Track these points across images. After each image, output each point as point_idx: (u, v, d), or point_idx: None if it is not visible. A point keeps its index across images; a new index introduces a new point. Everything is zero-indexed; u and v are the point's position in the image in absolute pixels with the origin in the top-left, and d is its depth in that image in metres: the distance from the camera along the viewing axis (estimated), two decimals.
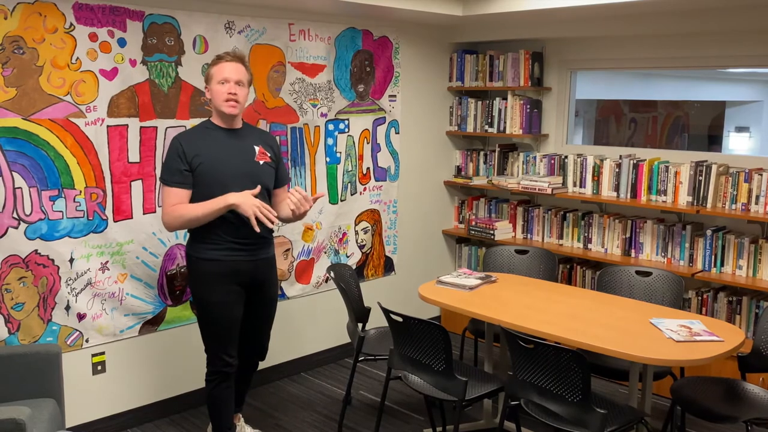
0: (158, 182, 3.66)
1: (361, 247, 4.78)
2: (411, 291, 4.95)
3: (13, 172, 3.18)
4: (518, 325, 3.04)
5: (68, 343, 3.46)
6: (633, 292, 3.78)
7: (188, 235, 3.17)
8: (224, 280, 3.07)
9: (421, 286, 3.65)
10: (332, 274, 3.72)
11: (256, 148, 3.13)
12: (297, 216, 3.12)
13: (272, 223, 2.94)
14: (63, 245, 3.38)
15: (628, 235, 4.45)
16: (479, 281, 3.66)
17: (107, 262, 3.54)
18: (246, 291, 3.17)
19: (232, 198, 2.94)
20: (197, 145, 3.03)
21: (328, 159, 4.47)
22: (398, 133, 4.89)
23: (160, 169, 3.16)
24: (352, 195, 4.65)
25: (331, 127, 4.46)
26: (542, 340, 2.72)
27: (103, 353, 3.61)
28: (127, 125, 3.53)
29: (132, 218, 3.60)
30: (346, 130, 4.55)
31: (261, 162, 3.13)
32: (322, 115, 4.40)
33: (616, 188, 4.45)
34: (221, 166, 3.01)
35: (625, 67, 4.73)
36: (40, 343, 3.34)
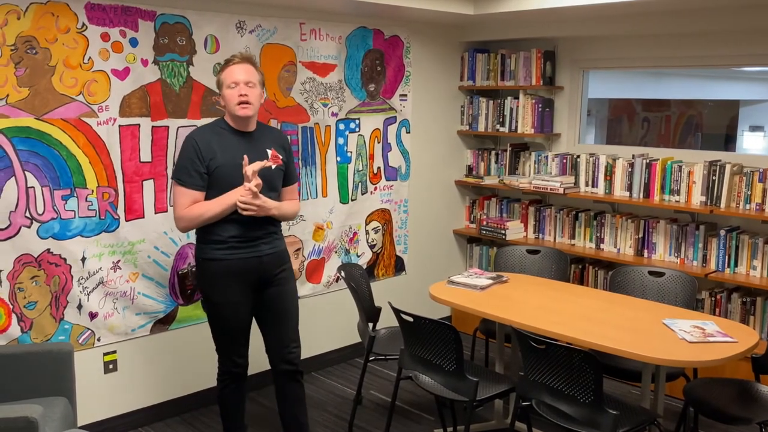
0: (170, 182, 3.68)
1: (371, 246, 4.77)
2: (422, 291, 4.93)
3: (25, 172, 3.20)
4: (530, 325, 3.03)
5: (80, 341, 3.48)
6: (646, 292, 3.76)
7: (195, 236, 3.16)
8: (230, 280, 3.03)
9: (431, 286, 3.64)
10: (343, 273, 3.72)
11: (269, 152, 3.08)
12: (265, 213, 3.01)
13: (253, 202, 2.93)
14: (75, 244, 3.39)
15: (640, 235, 4.42)
16: (490, 281, 3.64)
17: (119, 261, 3.55)
18: (255, 290, 3.11)
19: (233, 198, 2.94)
20: (213, 147, 2.97)
21: (338, 158, 4.47)
22: (409, 132, 4.89)
23: (173, 168, 3.13)
24: (362, 194, 4.65)
25: (341, 126, 4.45)
26: (554, 341, 2.71)
27: (114, 352, 3.62)
28: (138, 125, 3.55)
29: (143, 217, 3.61)
30: (357, 129, 4.55)
31: (274, 166, 3.07)
32: (333, 114, 4.40)
33: (629, 188, 4.42)
34: (236, 170, 2.94)
35: (638, 66, 4.70)
36: (52, 341, 3.36)
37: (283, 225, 3.94)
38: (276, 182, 3.11)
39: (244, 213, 2.92)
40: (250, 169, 2.89)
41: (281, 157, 3.11)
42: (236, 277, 3.04)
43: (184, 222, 2.99)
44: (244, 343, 3.16)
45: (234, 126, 3.04)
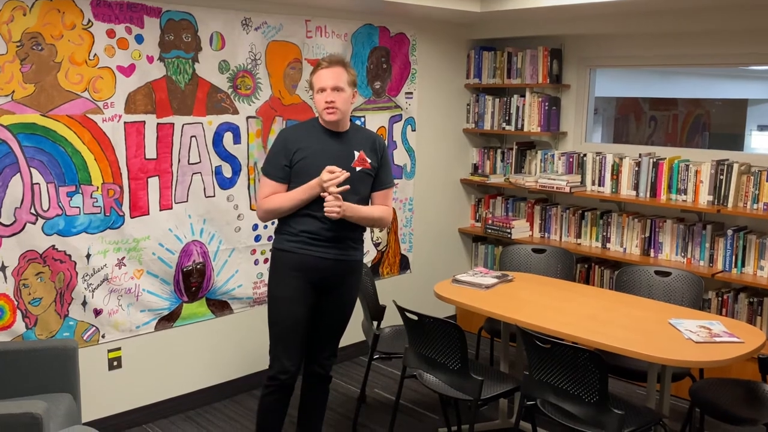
0: (174, 179, 3.69)
1: (376, 245, 4.76)
2: (427, 289, 4.91)
3: (31, 168, 3.20)
4: (535, 324, 3.02)
5: (85, 338, 3.48)
6: (652, 292, 3.74)
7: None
8: (293, 274, 2.99)
9: (436, 284, 3.63)
10: None
11: (356, 154, 3.02)
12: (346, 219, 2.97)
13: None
14: (80, 241, 3.39)
15: (647, 234, 4.40)
16: (496, 280, 3.63)
17: (124, 258, 3.56)
18: (315, 292, 3.04)
19: (305, 193, 2.93)
20: (300, 142, 2.99)
21: None
22: (414, 130, 4.87)
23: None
24: None
25: None
26: (559, 340, 2.70)
27: (119, 349, 3.62)
28: (144, 121, 3.54)
29: (148, 214, 3.61)
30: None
31: (357, 168, 3.01)
32: None
33: (636, 187, 4.40)
34: (315, 167, 2.92)
35: (645, 65, 4.68)
36: (56, 338, 3.36)
37: None
38: (359, 186, 3.02)
39: (330, 216, 2.90)
40: (329, 177, 2.86)
41: (369, 161, 3.05)
42: (299, 272, 3.00)
43: (260, 211, 3.06)
44: (296, 347, 3.06)
45: (325, 125, 3.04)
